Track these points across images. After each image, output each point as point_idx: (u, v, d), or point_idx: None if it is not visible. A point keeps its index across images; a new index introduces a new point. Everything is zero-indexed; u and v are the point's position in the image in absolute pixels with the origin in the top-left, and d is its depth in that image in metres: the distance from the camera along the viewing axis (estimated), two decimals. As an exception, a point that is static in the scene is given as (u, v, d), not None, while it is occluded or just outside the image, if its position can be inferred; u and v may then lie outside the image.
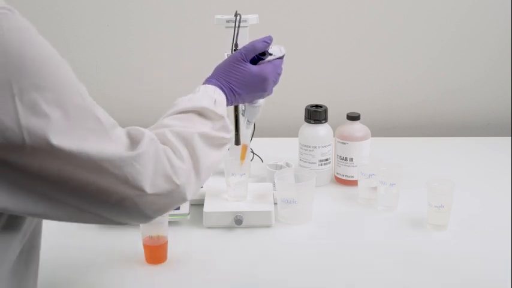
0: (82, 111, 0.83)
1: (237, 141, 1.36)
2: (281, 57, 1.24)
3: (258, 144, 1.71)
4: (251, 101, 1.22)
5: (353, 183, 1.54)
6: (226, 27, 1.40)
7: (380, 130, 1.95)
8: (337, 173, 1.59)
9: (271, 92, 1.23)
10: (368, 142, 1.57)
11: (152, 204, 0.90)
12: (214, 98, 1.10)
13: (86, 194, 0.86)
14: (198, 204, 1.43)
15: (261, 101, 1.29)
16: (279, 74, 1.24)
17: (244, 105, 1.30)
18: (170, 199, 0.92)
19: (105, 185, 0.86)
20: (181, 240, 1.31)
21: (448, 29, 1.93)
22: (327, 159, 1.57)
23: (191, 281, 1.20)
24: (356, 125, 1.56)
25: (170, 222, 1.28)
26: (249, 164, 1.53)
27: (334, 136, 1.58)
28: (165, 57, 1.95)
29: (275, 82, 1.23)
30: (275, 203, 1.42)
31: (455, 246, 1.30)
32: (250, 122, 1.33)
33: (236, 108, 1.34)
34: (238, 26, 1.34)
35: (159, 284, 1.20)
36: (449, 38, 1.94)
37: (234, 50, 1.33)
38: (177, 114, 1.05)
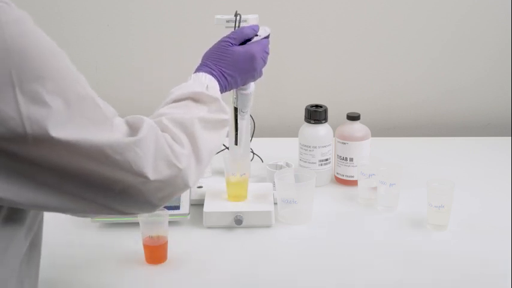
0: (82, 100, 0.84)
1: (237, 141, 1.36)
2: (267, 37, 1.25)
3: (258, 144, 1.71)
4: (243, 83, 1.22)
5: (353, 183, 1.54)
6: (226, 27, 1.40)
7: (380, 130, 1.95)
8: (337, 173, 1.59)
9: (261, 73, 1.24)
10: (368, 142, 1.57)
11: (157, 192, 0.91)
12: (206, 83, 1.11)
13: (89, 183, 0.86)
14: (198, 204, 1.43)
15: (252, 88, 1.30)
16: (267, 53, 1.25)
17: (236, 94, 1.31)
18: (173, 185, 0.93)
19: (107, 173, 0.86)
20: (181, 240, 1.31)
21: (448, 29, 1.93)
22: (327, 159, 1.56)
23: (191, 281, 1.20)
24: (356, 125, 1.56)
25: (170, 222, 1.28)
26: (249, 164, 1.53)
27: (334, 136, 1.58)
28: (165, 57, 1.95)
29: (264, 61, 1.24)
30: (275, 203, 1.42)
31: (455, 246, 1.30)
32: (243, 112, 1.33)
33: (236, 109, 1.34)
34: (238, 26, 1.34)
35: (159, 284, 1.20)
36: (449, 38, 1.94)
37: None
38: (172, 103, 1.06)
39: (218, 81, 1.15)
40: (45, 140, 0.80)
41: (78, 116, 0.83)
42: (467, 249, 1.29)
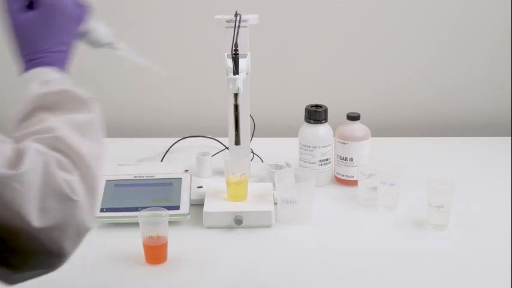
0: None
1: (237, 141, 1.36)
2: None
3: (258, 144, 1.71)
4: (80, 37, 1.02)
5: (353, 183, 1.54)
6: (226, 27, 1.40)
7: (380, 130, 1.95)
8: (337, 173, 1.59)
9: (75, 8, 0.98)
10: (368, 142, 1.57)
11: (50, 239, 0.75)
12: (42, 78, 0.90)
13: None
14: (198, 204, 1.43)
15: (91, 25, 1.09)
16: None
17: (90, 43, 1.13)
18: (74, 224, 0.78)
19: None
20: (181, 240, 1.31)
21: (447, 28, 1.93)
22: (327, 159, 1.56)
23: (191, 281, 1.20)
24: (356, 125, 1.56)
25: (170, 222, 1.28)
26: (249, 164, 1.53)
27: (334, 136, 1.58)
28: (165, 57, 1.95)
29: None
30: (275, 203, 1.42)
31: (455, 246, 1.30)
32: (109, 45, 1.19)
33: (236, 108, 1.33)
34: (238, 26, 1.34)
35: (159, 284, 1.20)
36: (449, 38, 1.94)
37: (234, 50, 1.33)
38: (21, 122, 0.86)
39: (50, 63, 0.91)
40: None
41: None
42: (467, 249, 1.29)
